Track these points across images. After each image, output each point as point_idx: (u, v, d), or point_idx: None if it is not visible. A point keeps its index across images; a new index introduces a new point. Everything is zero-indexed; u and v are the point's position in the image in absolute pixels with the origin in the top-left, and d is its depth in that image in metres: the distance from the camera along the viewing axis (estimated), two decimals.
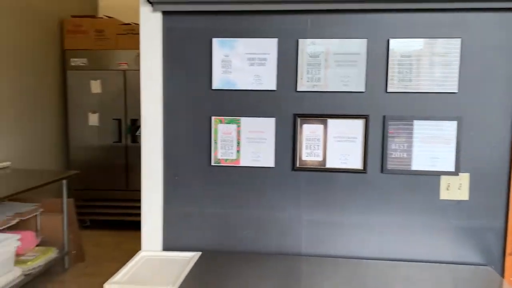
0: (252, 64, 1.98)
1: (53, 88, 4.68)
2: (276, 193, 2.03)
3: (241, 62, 1.98)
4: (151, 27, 1.99)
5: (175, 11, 1.96)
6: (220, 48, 1.98)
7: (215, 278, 1.77)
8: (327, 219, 2.00)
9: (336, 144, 1.98)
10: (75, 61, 4.64)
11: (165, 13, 1.99)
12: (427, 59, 1.89)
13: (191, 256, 2.01)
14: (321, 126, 1.98)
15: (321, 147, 1.99)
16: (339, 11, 1.91)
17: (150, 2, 1.95)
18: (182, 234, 2.08)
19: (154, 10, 1.97)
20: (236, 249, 2.06)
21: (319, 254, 2.02)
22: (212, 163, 2.03)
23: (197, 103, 2.02)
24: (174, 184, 2.06)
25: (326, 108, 1.97)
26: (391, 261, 1.96)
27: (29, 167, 4.23)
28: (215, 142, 2.02)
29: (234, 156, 2.02)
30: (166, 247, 2.09)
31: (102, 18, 4.78)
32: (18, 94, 4.15)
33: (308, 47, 1.94)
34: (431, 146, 1.92)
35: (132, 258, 1.99)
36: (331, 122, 1.97)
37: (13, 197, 3.20)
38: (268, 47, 1.96)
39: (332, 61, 1.94)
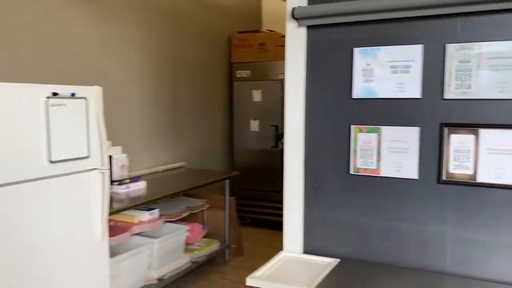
0: (395, 72, 1.94)
1: (222, 97, 5.23)
2: (419, 206, 1.94)
3: (383, 70, 1.95)
4: (296, 41, 2.11)
5: (318, 24, 2.04)
6: (362, 57, 1.99)
7: (350, 286, 1.79)
8: (478, 237, 1.83)
9: (490, 157, 1.80)
10: (240, 73, 5.11)
11: (309, 27, 2.08)
12: None
13: (329, 262, 2.06)
14: (471, 137, 1.82)
15: (471, 159, 1.83)
16: (495, 11, 1.74)
17: (296, 19, 2.07)
18: (321, 239, 2.14)
19: (299, 25, 2.08)
20: (375, 260, 2.03)
21: (465, 275, 1.86)
22: (351, 172, 2.04)
23: (337, 112, 2.06)
24: (314, 190, 2.14)
25: (477, 117, 1.81)
26: None
27: (200, 167, 4.80)
28: (355, 151, 2.03)
29: (374, 166, 2.00)
30: (306, 250, 2.18)
31: (264, 32, 5.15)
32: (193, 103, 4.76)
33: (457, 52, 1.82)
34: None
35: (274, 257, 2.14)
36: (483, 132, 1.80)
37: (185, 193, 3.70)
38: (413, 54, 1.90)
39: (485, 66, 1.77)
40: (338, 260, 2.05)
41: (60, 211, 2.29)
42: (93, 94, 2.46)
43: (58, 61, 3.24)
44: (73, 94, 2.34)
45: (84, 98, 2.41)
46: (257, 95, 5.05)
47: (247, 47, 5.04)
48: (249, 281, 1.90)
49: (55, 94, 2.24)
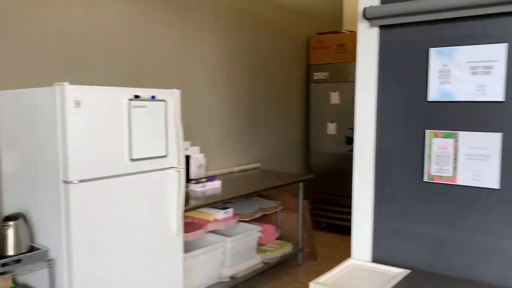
0: (474, 73, 1.80)
1: (298, 99, 5.23)
2: (500, 218, 1.78)
3: (462, 71, 1.83)
4: (367, 42, 2.05)
5: (391, 24, 1.97)
6: (438, 57, 1.88)
7: None
8: None
9: None
10: (318, 75, 5.06)
11: (381, 27, 2.01)
12: None
13: (399, 272, 1.97)
14: None
15: None
16: None
17: (367, 19, 2.02)
18: (391, 248, 2.06)
19: (371, 25, 2.02)
20: (448, 273, 1.90)
21: None
22: (425, 179, 1.94)
23: (410, 115, 1.96)
24: (384, 197, 2.06)
25: None
26: None
27: (275, 169, 4.84)
28: (429, 157, 1.92)
29: (450, 174, 1.88)
30: (375, 259, 2.11)
31: (343, 32, 5.06)
32: (269, 105, 4.81)
33: None
34: None
35: (341, 263, 2.09)
36: None
37: (259, 194, 3.75)
38: (495, 53, 1.75)
39: None
40: (408, 271, 1.96)
41: (139, 205, 2.45)
42: (172, 96, 2.60)
43: (140, 65, 3.46)
44: (153, 97, 2.49)
45: (164, 100, 2.55)
46: (334, 97, 4.97)
47: (325, 48, 4.99)
48: (312, 286, 1.89)
49: (137, 96, 2.40)
